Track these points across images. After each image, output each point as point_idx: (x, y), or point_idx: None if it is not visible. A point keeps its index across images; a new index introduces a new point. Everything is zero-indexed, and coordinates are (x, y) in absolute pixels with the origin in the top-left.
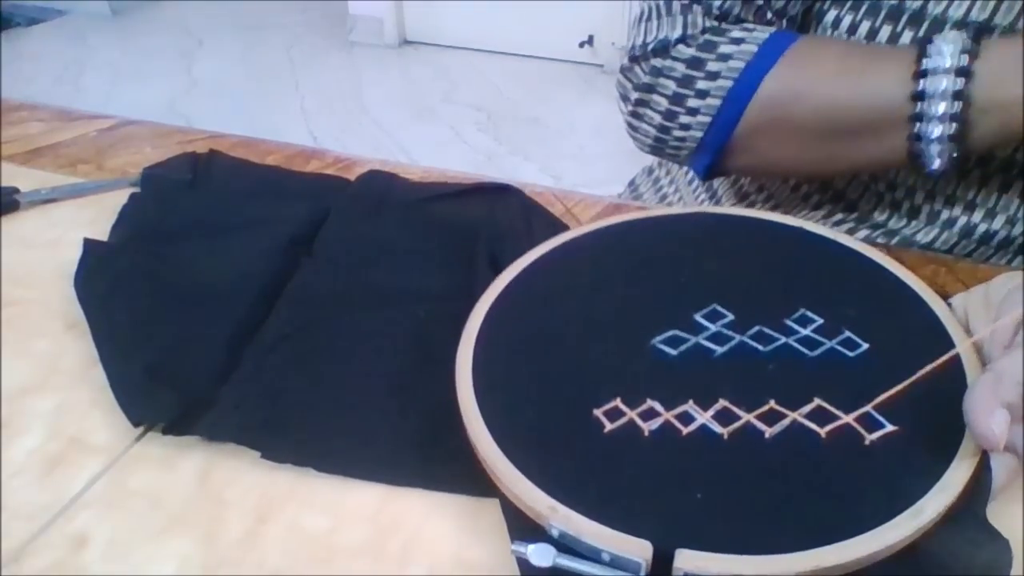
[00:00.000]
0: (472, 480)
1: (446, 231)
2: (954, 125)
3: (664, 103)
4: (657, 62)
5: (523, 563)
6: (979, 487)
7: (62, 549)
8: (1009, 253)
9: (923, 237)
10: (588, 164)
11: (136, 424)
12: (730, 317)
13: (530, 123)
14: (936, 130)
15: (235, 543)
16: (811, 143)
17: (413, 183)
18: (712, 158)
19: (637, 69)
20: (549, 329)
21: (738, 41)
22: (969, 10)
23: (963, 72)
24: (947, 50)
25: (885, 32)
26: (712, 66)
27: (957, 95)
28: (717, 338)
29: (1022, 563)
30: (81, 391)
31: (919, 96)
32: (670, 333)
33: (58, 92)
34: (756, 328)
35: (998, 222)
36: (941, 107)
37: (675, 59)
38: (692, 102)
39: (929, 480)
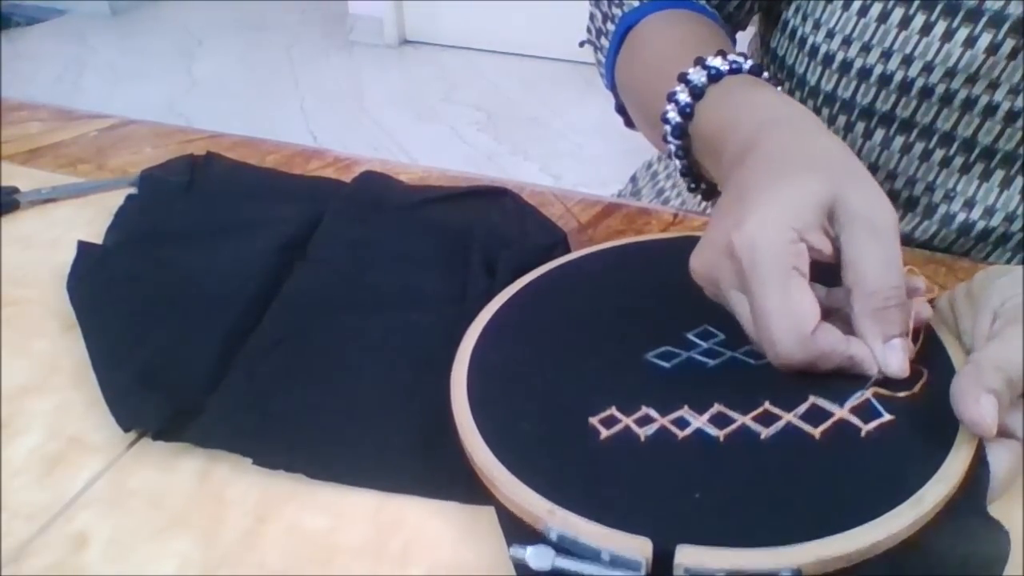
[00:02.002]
0: (467, 487)
1: (440, 234)
2: (679, 141)
3: (594, 28)
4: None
5: (521, 567)
6: (977, 477)
7: (62, 549)
8: (1008, 251)
9: (921, 234)
10: (588, 164)
11: (126, 430)
12: (721, 337)
13: (530, 123)
14: (671, 138)
15: (235, 543)
16: (638, 116)
17: (407, 186)
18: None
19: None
20: (543, 345)
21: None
22: (1006, 5)
23: (695, 94)
24: (700, 72)
25: (896, 15)
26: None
27: (685, 110)
28: (709, 353)
29: (1022, 562)
30: (81, 391)
31: (670, 97)
32: (663, 348)
33: (58, 92)
34: (747, 347)
35: (996, 219)
36: (673, 115)
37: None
38: (603, 40)
39: (928, 469)
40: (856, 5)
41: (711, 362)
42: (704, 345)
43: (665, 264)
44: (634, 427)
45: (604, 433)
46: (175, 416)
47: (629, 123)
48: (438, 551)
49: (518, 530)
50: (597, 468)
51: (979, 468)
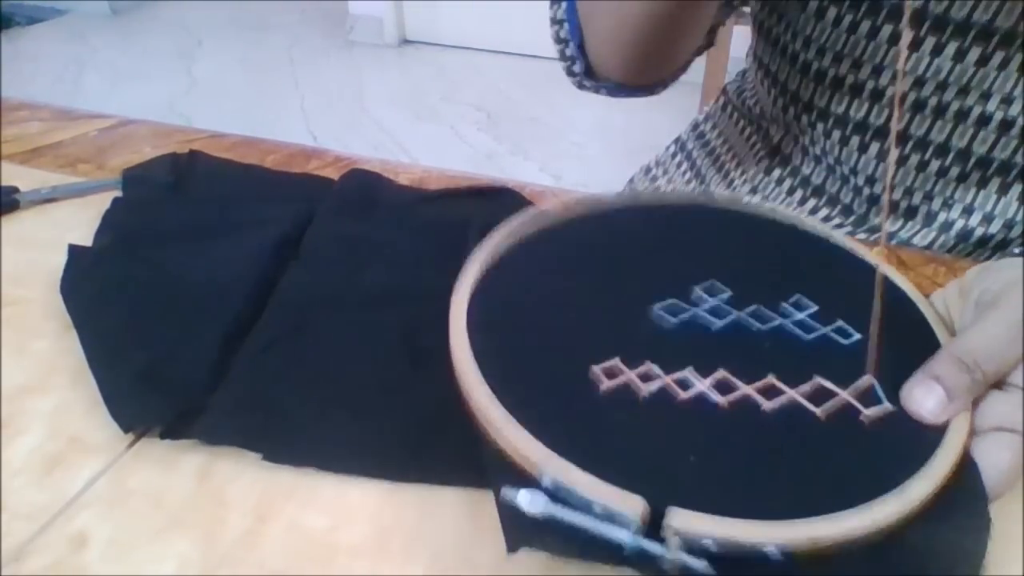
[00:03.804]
0: (469, 472)
1: (438, 229)
2: None
3: None
4: None
5: (508, 514)
6: (967, 471)
7: (62, 549)
8: (1007, 256)
9: (920, 240)
10: (588, 164)
11: (126, 431)
12: (728, 293)
13: (530, 122)
14: None
15: (235, 543)
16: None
17: (399, 184)
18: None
19: None
20: (547, 289)
21: None
22: (972, 11)
23: None
24: None
25: (886, 31)
26: None
27: None
28: (715, 311)
29: (1022, 564)
30: (81, 391)
31: None
32: (670, 301)
33: (58, 92)
34: (754, 307)
35: (995, 225)
36: None
37: None
38: None
39: (918, 463)
40: (846, 22)
41: (717, 322)
42: (711, 301)
43: (672, 221)
44: (636, 381)
45: (606, 383)
46: (178, 416)
47: (582, 77)
48: (439, 550)
49: (509, 479)
50: (596, 421)
51: (967, 465)
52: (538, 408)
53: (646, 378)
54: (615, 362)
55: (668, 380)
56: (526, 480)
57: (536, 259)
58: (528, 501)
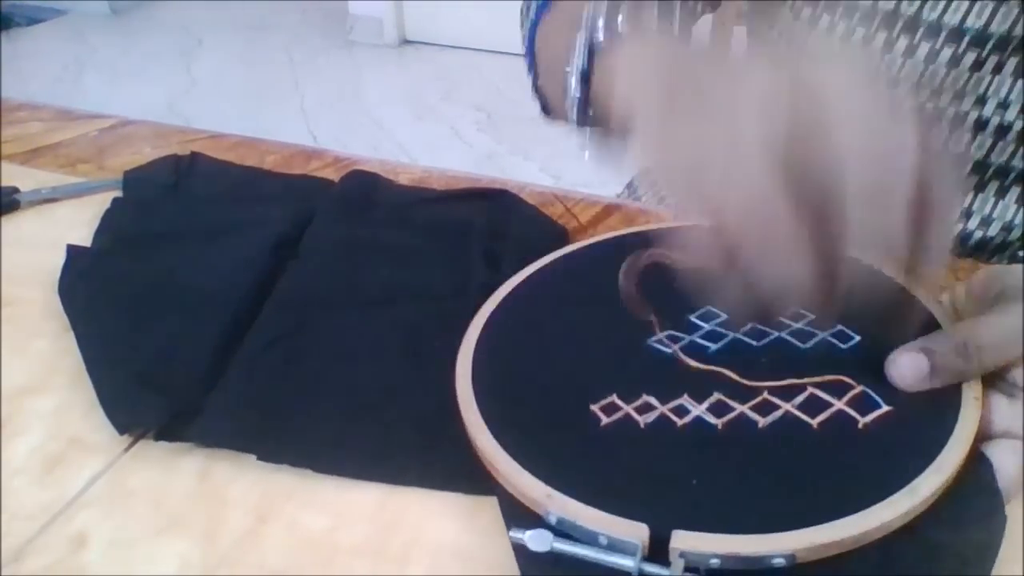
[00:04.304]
0: (468, 477)
1: (438, 230)
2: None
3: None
4: None
5: (520, 550)
6: (976, 468)
7: (62, 549)
8: (1005, 258)
9: None
10: (588, 164)
11: (122, 432)
12: (723, 317)
13: (530, 123)
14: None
15: (235, 543)
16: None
17: (398, 185)
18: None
19: None
20: (546, 333)
21: None
22: (965, 16)
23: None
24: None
25: (880, 39)
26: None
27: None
28: (711, 336)
29: (1022, 565)
30: (81, 391)
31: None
32: (665, 333)
33: (58, 92)
34: (749, 325)
35: (994, 228)
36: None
37: None
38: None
39: (923, 461)
40: (840, 30)
41: (713, 346)
42: (706, 327)
43: (667, 251)
44: (634, 415)
45: (604, 420)
46: (173, 417)
47: (544, 105)
48: (439, 550)
49: (519, 515)
50: (597, 454)
51: (979, 461)
52: (541, 448)
53: (643, 410)
54: (612, 398)
55: (664, 409)
56: (535, 518)
57: (534, 306)
58: (534, 540)
